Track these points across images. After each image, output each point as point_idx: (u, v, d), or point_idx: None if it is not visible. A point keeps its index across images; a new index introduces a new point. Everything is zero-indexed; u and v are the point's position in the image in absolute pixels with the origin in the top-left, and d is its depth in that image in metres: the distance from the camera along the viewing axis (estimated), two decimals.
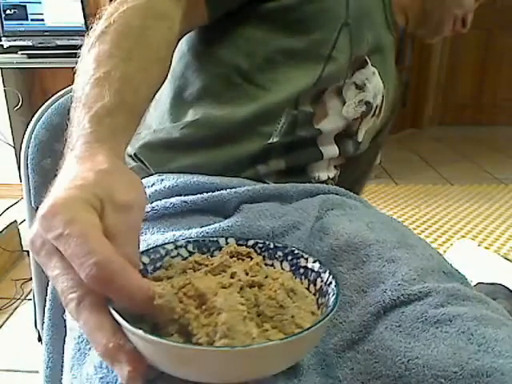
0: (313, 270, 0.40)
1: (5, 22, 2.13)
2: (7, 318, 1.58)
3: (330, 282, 0.37)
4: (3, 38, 2.13)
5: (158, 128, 0.64)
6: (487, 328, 0.41)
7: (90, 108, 0.41)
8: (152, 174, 0.61)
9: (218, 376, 0.30)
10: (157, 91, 0.50)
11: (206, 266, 0.38)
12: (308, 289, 0.39)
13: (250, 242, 0.43)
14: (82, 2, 2.17)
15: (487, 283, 1.56)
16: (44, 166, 0.74)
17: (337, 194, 0.63)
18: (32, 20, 2.17)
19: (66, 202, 0.31)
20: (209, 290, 0.32)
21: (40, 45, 2.09)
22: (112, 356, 0.29)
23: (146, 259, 0.39)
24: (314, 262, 0.40)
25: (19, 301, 1.64)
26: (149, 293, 0.30)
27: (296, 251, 0.42)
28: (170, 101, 0.64)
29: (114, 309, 0.30)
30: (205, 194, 0.54)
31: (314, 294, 0.39)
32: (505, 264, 1.72)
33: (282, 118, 0.61)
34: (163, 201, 0.54)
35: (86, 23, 2.18)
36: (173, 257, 0.41)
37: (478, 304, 0.45)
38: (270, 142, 0.60)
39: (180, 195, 0.54)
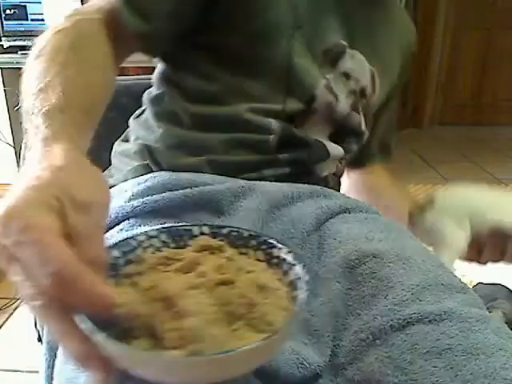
0: (285, 261, 0.40)
1: (5, 22, 2.13)
2: (7, 318, 1.58)
3: (300, 277, 0.37)
4: (3, 38, 2.13)
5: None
6: (478, 361, 0.40)
7: (40, 110, 0.42)
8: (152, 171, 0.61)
9: (181, 379, 0.31)
10: (107, 95, 0.52)
11: (178, 260, 0.37)
12: (281, 280, 0.39)
13: (224, 231, 0.42)
14: (81, 2, 2.17)
15: (487, 283, 1.56)
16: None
17: (337, 198, 0.62)
18: (32, 20, 2.17)
19: (20, 205, 0.30)
20: (177, 292, 0.32)
21: None
22: (83, 362, 0.29)
23: (116, 253, 0.38)
24: (288, 252, 0.40)
25: (19, 301, 1.64)
26: (110, 300, 0.29)
27: (270, 240, 0.41)
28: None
29: (80, 314, 0.29)
30: (195, 188, 0.54)
31: (288, 286, 0.38)
32: (505, 264, 1.71)
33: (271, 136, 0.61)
34: (154, 196, 0.54)
35: None
36: (145, 247, 0.40)
37: (475, 325, 0.43)
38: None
39: (171, 191, 0.54)
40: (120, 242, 0.39)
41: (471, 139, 3.72)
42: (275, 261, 0.40)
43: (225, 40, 0.62)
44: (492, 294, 1.48)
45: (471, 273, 1.71)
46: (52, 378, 0.59)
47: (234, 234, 0.42)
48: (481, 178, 2.83)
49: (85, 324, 0.29)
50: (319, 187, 0.62)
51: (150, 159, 0.62)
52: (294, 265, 0.39)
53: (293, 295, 0.36)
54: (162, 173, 0.58)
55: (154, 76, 0.70)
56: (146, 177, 0.58)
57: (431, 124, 4.14)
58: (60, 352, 0.47)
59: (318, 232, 0.56)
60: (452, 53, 3.95)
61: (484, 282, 1.57)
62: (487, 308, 1.55)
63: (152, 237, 0.41)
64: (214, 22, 0.62)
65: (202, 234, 0.42)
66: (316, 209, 0.57)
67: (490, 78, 3.99)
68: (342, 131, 0.67)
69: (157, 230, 0.42)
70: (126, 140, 0.71)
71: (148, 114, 0.68)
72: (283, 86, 0.62)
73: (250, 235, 0.42)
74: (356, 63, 0.66)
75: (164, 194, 0.53)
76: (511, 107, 4.01)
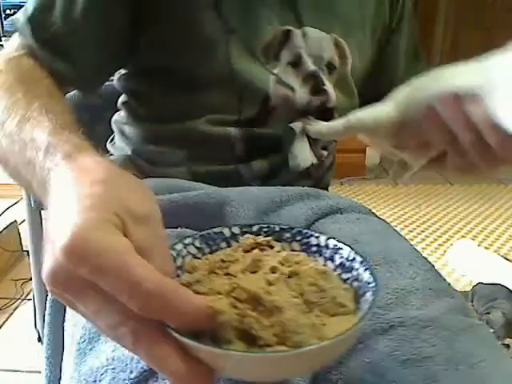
0: (327, 247, 0.40)
1: (5, 22, 2.13)
2: (7, 318, 1.58)
3: (354, 258, 0.37)
4: (3, 38, 2.13)
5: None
6: (458, 372, 0.40)
7: (43, 132, 0.41)
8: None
9: (287, 373, 0.32)
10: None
11: (232, 262, 0.37)
12: (325, 265, 0.39)
13: (255, 228, 0.42)
14: None
15: (487, 283, 1.56)
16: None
17: (329, 199, 0.61)
18: None
19: (85, 228, 0.28)
20: (260, 290, 0.31)
21: None
22: (188, 381, 0.27)
23: None
24: (328, 239, 0.40)
25: (19, 301, 1.64)
26: (208, 311, 0.28)
27: (304, 231, 0.42)
28: None
29: (173, 330, 0.28)
30: (181, 193, 0.55)
31: (334, 270, 0.38)
32: (505, 264, 1.72)
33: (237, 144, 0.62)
34: None
35: None
36: (183, 256, 0.40)
37: (459, 334, 0.43)
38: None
39: (157, 195, 0.55)
40: None
41: None
42: (314, 249, 0.41)
43: (165, 63, 0.61)
44: (492, 293, 1.48)
45: (471, 273, 1.71)
46: (53, 379, 0.59)
47: (265, 229, 0.43)
48: (481, 178, 2.83)
49: (186, 339, 0.28)
50: (310, 189, 0.62)
51: (134, 170, 0.64)
52: (340, 248, 0.39)
53: (346, 277, 0.37)
54: (148, 179, 0.59)
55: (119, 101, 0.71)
56: None
57: None
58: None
59: None
60: (452, 53, 3.95)
61: (484, 282, 1.57)
62: (486, 308, 1.55)
63: (187, 244, 0.41)
64: (148, 48, 0.61)
65: (233, 234, 0.42)
66: (306, 210, 0.57)
67: None
68: (307, 115, 0.65)
69: (191, 237, 0.42)
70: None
71: (117, 135, 0.71)
72: (233, 94, 0.61)
73: (282, 229, 0.42)
74: (311, 41, 0.63)
75: None
76: None
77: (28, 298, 1.65)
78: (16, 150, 0.43)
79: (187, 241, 0.41)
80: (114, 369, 0.39)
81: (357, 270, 0.37)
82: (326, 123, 0.59)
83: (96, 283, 0.27)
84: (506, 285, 1.52)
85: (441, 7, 3.81)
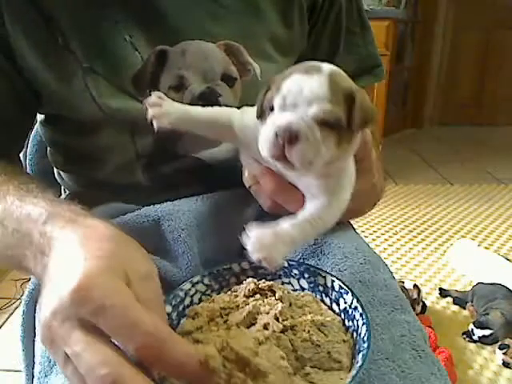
0: (333, 289, 0.41)
1: None
2: (7, 318, 1.58)
3: (356, 307, 0.38)
4: None
5: None
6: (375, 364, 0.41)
7: (37, 206, 0.41)
8: None
9: None
10: None
11: (232, 309, 0.38)
12: (331, 307, 0.40)
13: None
14: None
15: (487, 283, 1.56)
16: (43, 165, 0.74)
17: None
18: None
19: (96, 273, 0.30)
20: (248, 352, 0.32)
21: None
22: None
23: (168, 308, 0.39)
24: (333, 280, 0.41)
25: (19, 301, 1.64)
26: (198, 357, 0.29)
27: (312, 269, 0.43)
28: None
29: None
30: (121, 216, 0.55)
31: (339, 315, 0.39)
32: (505, 264, 1.72)
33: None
34: None
35: None
36: (192, 296, 0.41)
37: (377, 330, 0.44)
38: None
39: None
40: (169, 296, 0.40)
41: (471, 139, 3.71)
42: (321, 288, 0.42)
43: (54, 112, 0.60)
44: (491, 294, 1.48)
45: (471, 273, 1.71)
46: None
47: None
48: (481, 178, 2.83)
49: None
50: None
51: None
52: (343, 293, 0.40)
53: (348, 325, 0.38)
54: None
55: None
56: None
57: (431, 124, 4.14)
58: None
59: None
60: (452, 53, 3.95)
61: (484, 282, 1.57)
62: (485, 309, 1.55)
63: (196, 283, 0.42)
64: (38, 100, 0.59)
65: (243, 269, 0.44)
66: (255, 210, 0.55)
67: (490, 77, 3.99)
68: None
69: (199, 275, 0.43)
70: None
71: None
72: (123, 131, 0.57)
73: (290, 264, 0.43)
74: (194, 56, 0.54)
75: None
76: (511, 107, 4.01)
77: None
78: (5, 232, 0.43)
79: (196, 279, 0.42)
80: None
81: (357, 320, 0.37)
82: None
83: (96, 323, 0.29)
84: (506, 285, 1.52)
85: (441, 7, 3.80)
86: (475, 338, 1.38)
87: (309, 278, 0.43)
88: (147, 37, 0.54)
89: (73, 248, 0.33)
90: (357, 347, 0.36)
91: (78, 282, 0.29)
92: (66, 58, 0.54)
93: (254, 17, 0.58)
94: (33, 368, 0.52)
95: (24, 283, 1.70)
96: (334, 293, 0.41)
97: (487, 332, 1.36)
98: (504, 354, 1.31)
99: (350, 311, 0.38)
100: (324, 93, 0.36)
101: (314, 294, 0.41)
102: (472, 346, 1.38)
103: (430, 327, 1.37)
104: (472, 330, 1.39)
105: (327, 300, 0.41)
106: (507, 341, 1.35)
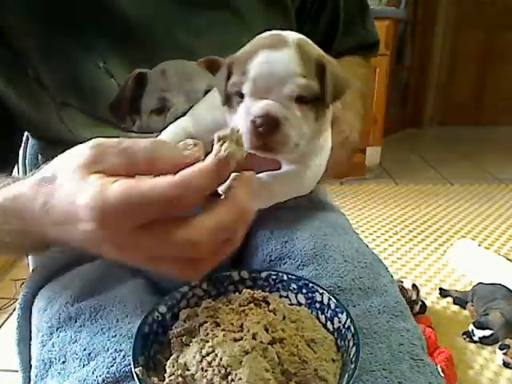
0: (329, 307, 0.41)
1: None
2: (7, 318, 1.58)
3: (349, 327, 0.38)
4: None
5: None
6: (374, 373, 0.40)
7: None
8: None
9: None
10: None
11: (224, 315, 0.38)
12: (325, 326, 0.40)
13: (263, 274, 0.44)
14: None
15: (487, 283, 1.56)
16: (43, 165, 0.74)
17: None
18: None
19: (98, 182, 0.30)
20: (233, 360, 0.32)
21: None
22: None
23: (163, 308, 0.40)
24: (330, 298, 0.41)
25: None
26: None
27: (310, 284, 0.43)
28: None
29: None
30: None
31: (332, 333, 0.39)
32: (505, 264, 1.71)
33: None
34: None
35: None
36: (188, 299, 0.41)
37: (373, 340, 0.43)
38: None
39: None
40: (165, 296, 0.41)
41: (471, 139, 3.71)
42: (317, 305, 0.42)
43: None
44: (491, 294, 1.48)
45: (471, 273, 1.71)
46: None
47: (273, 277, 0.44)
48: (481, 178, 2.83)
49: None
50: None
51: None
52: (338, 313, 0.40)
53: (341, 344, 0.38)
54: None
55: None
56: None
57: (431, 124, 4.14)
58: None
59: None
60: (452, 53, 3.95)
61: (484, 282, 1.57)
62: (485, 310, 1.55)
63: (194, 287, 0.42)
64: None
65: (242, 278, 0.44)
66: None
67: (490, 77, 3.99)
68: None
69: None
70: None
71: None
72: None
73: (289, 278, 0.43)
74: (175, 76, 0.52)
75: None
76: (511, 107, 4.01)
77: None
78: None
79: (194, 283, 0.42)
80: None
81: (348, 341, 0.37)
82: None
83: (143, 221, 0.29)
84: (506, 285, 1.52)
85: (441, 7, 3.80)
86: (475, 338, 1.38)
87: (306, 293, 0.42)
88: (122, 60, 0.52)
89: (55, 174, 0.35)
90: (345, 368, 0.36)
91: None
92: (38, 91, 0.52)
93: (238, 25, 0.56)
94: (29, 371, 0.53)
95: (24, 283, 1.70)
96: (330, 311, 0.41)
97: (487, 333, 1.36)
98: (504, 354, 1.31)
99: (343, 331, 0.38)
100: (296, 67, 0.34)
101: (310, 310, 0.41)
102: (472, 346, 1.38)
103: (430, 327, 1.37)
104: (472, 330, 1.39)
105: (322, 317, 0.41)
106: (507, 341, 1.35)
